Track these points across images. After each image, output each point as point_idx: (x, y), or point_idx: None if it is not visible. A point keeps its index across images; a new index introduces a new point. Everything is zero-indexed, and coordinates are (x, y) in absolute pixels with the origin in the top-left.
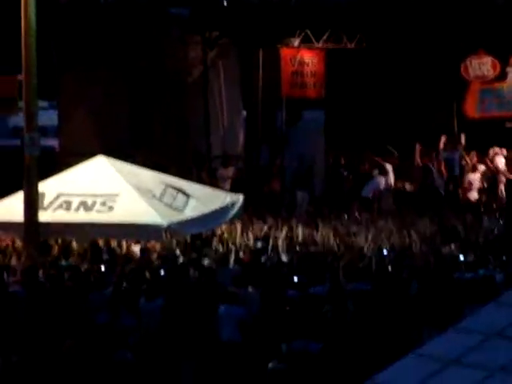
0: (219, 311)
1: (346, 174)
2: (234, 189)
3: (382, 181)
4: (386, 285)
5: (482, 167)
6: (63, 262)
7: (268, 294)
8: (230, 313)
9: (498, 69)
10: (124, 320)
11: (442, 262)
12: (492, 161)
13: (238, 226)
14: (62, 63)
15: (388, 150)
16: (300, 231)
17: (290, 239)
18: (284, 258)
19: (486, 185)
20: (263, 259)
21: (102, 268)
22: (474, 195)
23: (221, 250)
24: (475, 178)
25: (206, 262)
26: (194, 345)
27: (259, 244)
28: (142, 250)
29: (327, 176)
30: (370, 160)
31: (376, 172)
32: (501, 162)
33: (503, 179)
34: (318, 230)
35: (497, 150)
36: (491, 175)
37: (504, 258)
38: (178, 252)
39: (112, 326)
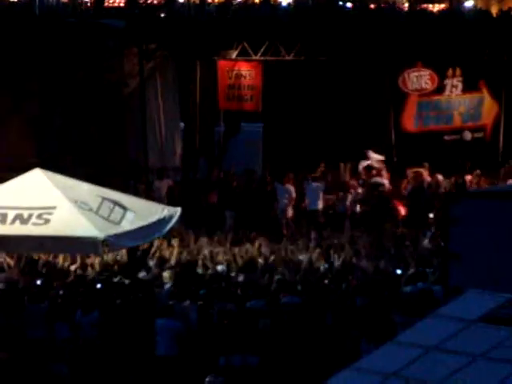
0: (156, 325)
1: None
2: (170, 201)
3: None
4: (321, 298)
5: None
6: None
7: (206, 307)
8: (167, 326)
9: (436, 81)
10: (60, 333)
11: (380, 275)
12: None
13: (176, 240)
14: None
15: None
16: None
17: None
18: (221, 272)
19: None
20: (201, 272)
21: (39, 282)
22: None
23: (158, 263)
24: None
25: (142, 275)
26: (130, 359)
27: (192, 257)
28: (79, 264)
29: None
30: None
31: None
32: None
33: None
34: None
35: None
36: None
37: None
38: (114, 266)
39: (48, 340)
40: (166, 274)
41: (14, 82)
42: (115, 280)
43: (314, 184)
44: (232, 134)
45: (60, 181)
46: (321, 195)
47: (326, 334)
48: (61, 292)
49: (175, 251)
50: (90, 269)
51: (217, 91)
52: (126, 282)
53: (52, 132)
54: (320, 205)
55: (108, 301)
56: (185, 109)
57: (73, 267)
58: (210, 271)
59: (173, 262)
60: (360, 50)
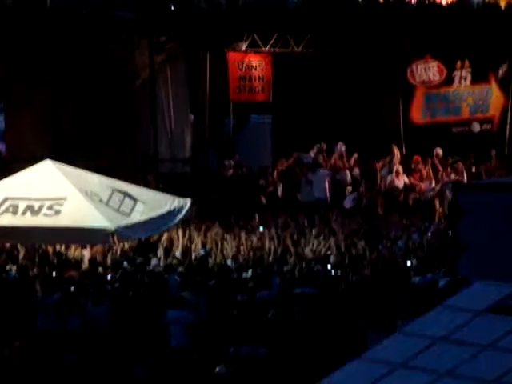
0: (167, 316)
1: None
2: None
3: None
4: (332, 289)
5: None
6: (10, 266)
7: (216, 298)
8: (179, 318)
9: (445, 73)
10: (71, 323)
11: (389, 266)
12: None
13: (186, 231)
14: (8, 67)
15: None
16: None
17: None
18: (231, 263)
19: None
20: (210, 264)
21: (52, 273)
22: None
23: (167, 254)
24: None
25: (153, 266)
26: (143, 349)
27: (203, 251)
28: (90, 255)
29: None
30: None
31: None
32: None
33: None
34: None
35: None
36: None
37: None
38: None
39: (59, 330)
40: (175, 265)
41: (27, 74)
42: (126, 270)
43: (321, 171)
44: (241, 126)
45: (70, 172)
46: (327, 183)
47: (335, 325)
48: (72, 283)
49: (183, 242)
50: (100, 259)
51: (227, 83)
52: (138, 273)
53: (63, 123)
54: (327, 193)
55: (119, 292)
56: (195, 100)
57: (84, 252)
58: (219, 261)
59: (180, 252)
60: (369, 43)
